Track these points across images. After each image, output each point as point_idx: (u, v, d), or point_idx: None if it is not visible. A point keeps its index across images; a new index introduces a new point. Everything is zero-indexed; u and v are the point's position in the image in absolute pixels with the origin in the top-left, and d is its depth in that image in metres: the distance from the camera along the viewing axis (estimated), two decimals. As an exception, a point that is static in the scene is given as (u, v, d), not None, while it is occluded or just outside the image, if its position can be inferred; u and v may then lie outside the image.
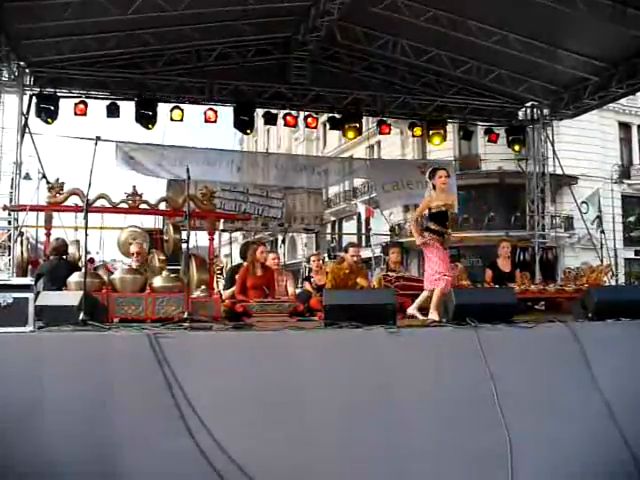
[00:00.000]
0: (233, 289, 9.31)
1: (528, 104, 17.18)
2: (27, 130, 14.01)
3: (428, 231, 7.82)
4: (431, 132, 16.62)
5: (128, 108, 14.45)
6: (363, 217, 26.36)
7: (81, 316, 5.56)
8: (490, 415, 5.15)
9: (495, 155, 26.20)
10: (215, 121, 14.98)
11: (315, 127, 17.11)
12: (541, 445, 5.17)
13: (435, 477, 5.03)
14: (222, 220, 14.24)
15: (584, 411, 5.38)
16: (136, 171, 15.28)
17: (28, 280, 5.63)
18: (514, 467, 4.98)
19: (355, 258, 9.59)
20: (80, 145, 15.47)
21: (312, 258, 11.20)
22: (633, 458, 5.23)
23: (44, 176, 13.49)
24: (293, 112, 15.91)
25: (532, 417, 5.27)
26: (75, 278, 7.51)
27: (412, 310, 7.87)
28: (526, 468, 5.03)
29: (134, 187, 8.71)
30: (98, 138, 7.11)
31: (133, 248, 8.45)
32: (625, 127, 32.39)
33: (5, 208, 11.69)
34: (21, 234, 11.15)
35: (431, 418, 5.18)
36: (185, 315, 6.31)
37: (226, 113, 15.39)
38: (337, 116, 16.12)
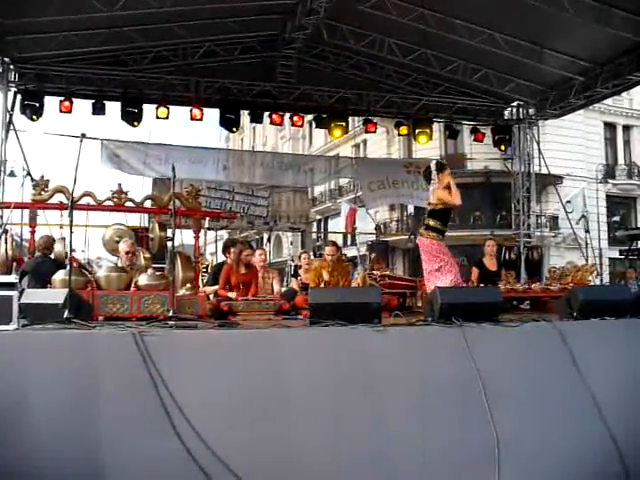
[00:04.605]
0: (215, 287, 9.29)
1: (514, 104, 17.23)
2: (12, 127, 13.92)
3: (429, 229, 7.82)
4: (417, 131, 16.61)
5: (114, 107, 14.39)
6: (343, 220, 26.03)
7: (66, 314, 5.51)
8: (478, 413, 5.16)
9: (481, 154, 26.27)
10: (201, 119, 14.91)
11: (301, 125, 17.00)
12: (528, 443, 5.18)
13: (422, 475, 5.04)
14: (208, 218, 14.21)
15: (571, 409, 5.41)
16: (121, 170, 15.17)
17: (12, 278, 5.57)
18: (501, 465, 4.99)
19: (330, 257, 9.52)
20: (65, 142, 15.40)
21: (302, 255, 11.16)
22: (620, 456, 5.26)
23: (29, 173, 13.38)
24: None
25: (519, 415, 5.28)
26: (60, 276, 7.45)
27: None
28: (513, 466, 5.05)
29: (119, 185, 8.68)
30: (83, 135, 7.05)
31: (125, 247, 8.34)
32: (610, 127, 32.60)
33: (-11, 205, 11.63)
34: (5, 232, 11.07)
35: (418, 416, 5.19)
36: (170, 313, 6.28)
37: (212, 111, 15.33)
38: (323, 115, 16.11)
